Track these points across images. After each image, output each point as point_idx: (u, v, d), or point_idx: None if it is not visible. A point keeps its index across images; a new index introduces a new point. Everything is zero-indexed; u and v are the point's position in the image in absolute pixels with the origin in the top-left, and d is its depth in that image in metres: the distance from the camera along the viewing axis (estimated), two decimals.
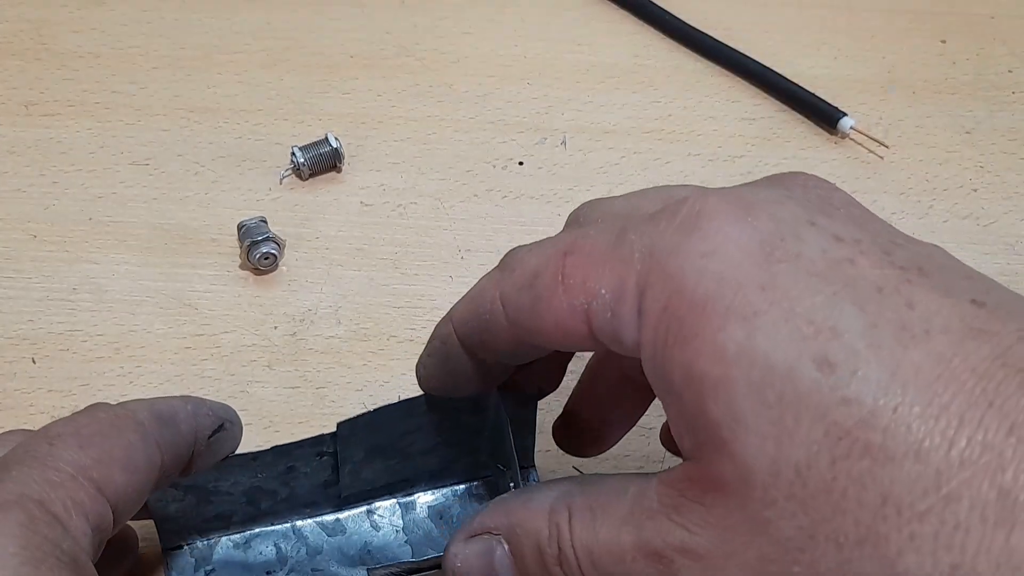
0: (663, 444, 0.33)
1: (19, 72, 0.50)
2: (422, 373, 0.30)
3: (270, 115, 0.50)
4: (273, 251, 0.43)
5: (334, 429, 0.30)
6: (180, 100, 0.50)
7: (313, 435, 0.30)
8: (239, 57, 0.52)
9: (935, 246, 0.23)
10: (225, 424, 0.29)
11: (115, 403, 0.27)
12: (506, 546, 0.26)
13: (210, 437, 0.28)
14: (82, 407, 0.27)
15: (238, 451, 0.30)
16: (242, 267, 0.44)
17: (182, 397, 0.29)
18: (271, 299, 0.43)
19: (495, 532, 0.26)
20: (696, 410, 0.21)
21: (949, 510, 0.18)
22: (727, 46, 0.53)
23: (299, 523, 0.33)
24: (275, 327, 0.42)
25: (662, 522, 0.22)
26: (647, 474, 0.23)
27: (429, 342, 0.30)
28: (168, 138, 0.48)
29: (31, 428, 0.27)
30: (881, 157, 0.50)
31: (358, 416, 0.30)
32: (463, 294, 0.28)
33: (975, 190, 0.49)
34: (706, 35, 0.54)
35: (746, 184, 0.24)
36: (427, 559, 0.30)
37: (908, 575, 0.19)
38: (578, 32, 0.55)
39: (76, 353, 0.41)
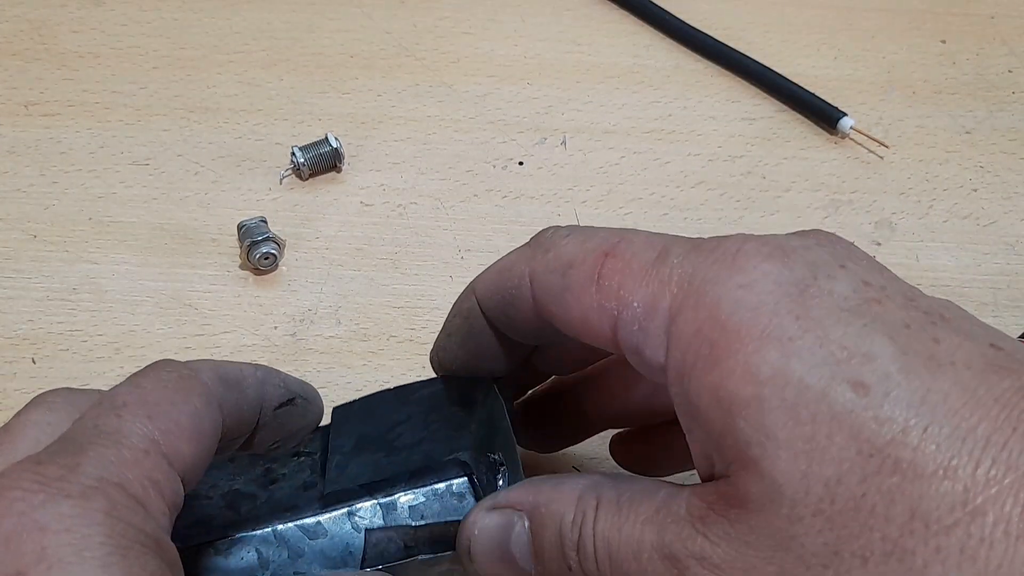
0: (612, 456, 0.34)
1: (19, 72, 0.50)
2: (442, 356, 0.31)
3: (270, 115, 0.50)
4: (273, 251, 0.43)
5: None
6: (180, 100, 0.50)
7: None
8: (239, 57, 0.52)
9: (950, 301, 0.24)
10: (296, 399, 0.27)
11: (180, 361, 0.25)
12: (526, 523, 0.26)
13: (277, 408, 0.27)
14: None
15: None
16: (242, 267, 0.44)
17: (252, 364, 0.27)
18: (271, 299, 0.43)
19: (518, 508, 0.26)
20: (724, 429, 0.22)
21: (975, 524, 0.19)
22: (727, 46, 0.53)
23: (280, 527, 0.33)
24: (275, 327, 0.42)
25: (685, 528, 0.23)
26: (681, 485, 0.24)
27: (447, 322, 0.30)
28: (168, 138, 0.48)
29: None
30: (881, 157, 0.50)
31: (353, 401, 0.30)
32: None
33: (975, 190, 0.49)
34: (706, 35, 0.54)
35: (779, 235, 0.26)
36: (433, 524, 0.30)
37: None
38: (578, 32, 0.55)
39: (76, 353, 0.41)
